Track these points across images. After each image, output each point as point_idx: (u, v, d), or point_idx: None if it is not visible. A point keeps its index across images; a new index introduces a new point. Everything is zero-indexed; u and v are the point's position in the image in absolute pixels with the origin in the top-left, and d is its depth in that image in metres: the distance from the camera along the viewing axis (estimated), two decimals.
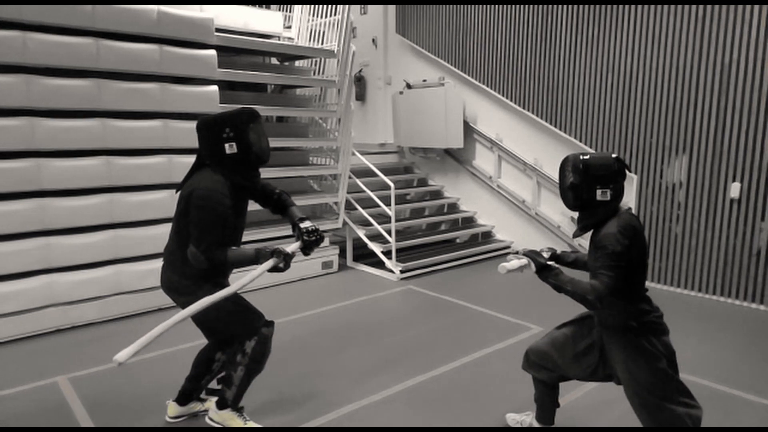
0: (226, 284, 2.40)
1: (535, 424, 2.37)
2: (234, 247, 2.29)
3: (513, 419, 2.50)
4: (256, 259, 2.24)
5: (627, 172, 1.99)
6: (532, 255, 2.00)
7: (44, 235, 3.72)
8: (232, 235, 2.35)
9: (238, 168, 2.29)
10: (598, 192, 1.90)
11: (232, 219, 2.31)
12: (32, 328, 3.70)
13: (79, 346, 3.57)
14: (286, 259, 2.23)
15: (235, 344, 2.54)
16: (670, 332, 1.98)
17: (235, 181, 2.30)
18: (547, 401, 2.29)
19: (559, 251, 2.20)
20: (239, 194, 2.35)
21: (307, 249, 2.39)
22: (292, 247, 2.35)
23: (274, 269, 2.22)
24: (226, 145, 2.24)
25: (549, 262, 1.98)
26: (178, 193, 2.34)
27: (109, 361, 3.28)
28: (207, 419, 2.53)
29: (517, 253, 2.06)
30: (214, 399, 2.72)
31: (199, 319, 2.39)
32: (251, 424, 2.48)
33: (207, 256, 2.19)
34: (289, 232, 4.99)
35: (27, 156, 3.62)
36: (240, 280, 2.20)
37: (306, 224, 2.41)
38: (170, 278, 2.36)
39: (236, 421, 2.46)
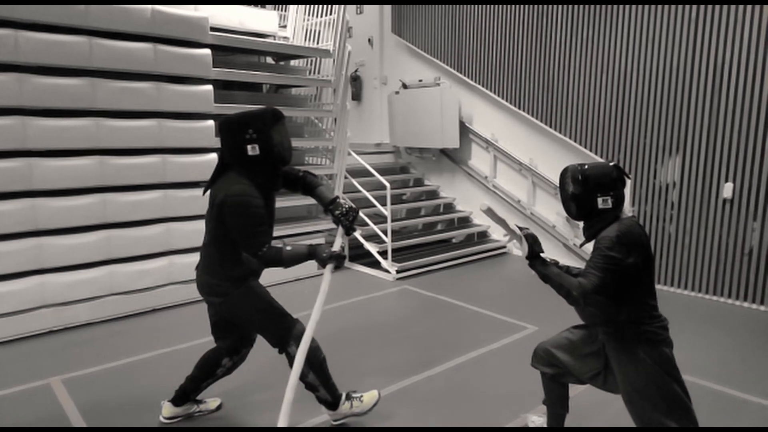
0: (256, 283, 2.42)
1: (544, 425, 2.38)
2: (288, 247, 2.28)
3: (531, 420, 2.53)
4: (310, 255, 2.28)
5: (626, 178, 1.99)
6: (531, 240, 1.94)
7: (36, 236, 3.68)
8: None
9: (261, 169, 2.26)
10: (599, 200, 1.92)
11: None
12: (24, 330, 3.66)
13: (72, 347, 3.54)
14: (342, 260, 2.31)
15: (242, 351, 2.57)
16: (673, 346, 1.96)
17: (259, 182, 2.27)
18: (556, 404, 2.29)
19: (560, 264, 2.16)
20: (267, 193, 2.34)
21: (348, 231, 2.42)
22: (339, 242, 2.39)
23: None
24: (249, 147, 2.20)
25: (542, 254, 1.95)
26: (206, 194, 2.34)
27: (102, 361, 3.28)
28: (332, 423, 2.55)
29: (521, 229, 2.00)
30: (212, 400, 2.72)
31: (227, 318, 2.41)
32: (367, 396, 2.55)
33: (262, 259, 2.20)
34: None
35: (19, 155, 3.59)
36: (319, 300, 2.25)
37: (339, 209, 2.41)
38: (208, 282, 2.35)
39: (354, 405, 2.52)
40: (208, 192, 2.33)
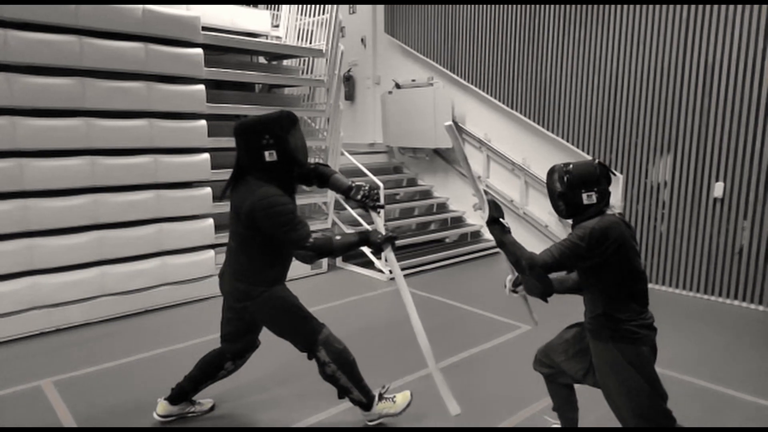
0: (284, 287, 2.42)
1: (557, 425, 2.43)
2: (337, 237, 2.30)
3: (555, 423, 2.54)
4: (362, 242, 2.31)
5: (611, 175, 2.03)
6: (493, 205, 2.04)
7: (27, 237, 3.65)
8: None
9: (279, 174, 2.26)
10: (584, 196, 1.96)
11: None
12: (15, 331, 3.63)
13: (63, 348, 3.51)
14: (396, 240, 2.37)
15: (246, 355, 2.58)
16: (655, 346, 1.96)
17: (277, 185, 2.26)
18: (564, 408, 2.30)
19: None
20: (287, 193, 2.35)
21: (377, 210, 2.47)
22: (380, 223, 2.44)
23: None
24: (266, 153, 2.20)
25: (502, 220, 2.03)
26: (223, 198, 2.37)
27: (94, 363, 3.26)
28: (367, 423, 2.55)
29: (487, 193, 2.04)
30: (206, 401, 2.71)
31: (251, 322, 2.40)
32: (400, 397, 2.55)
33: (313, 250, 2.22)
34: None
35: (9, 156, 3.55)
36: (402, 287, 2.31)
37: (360, 193, 2.44)
38: (238, 288, 2.33)
39: (388, 405, 2.52)
40: (225, 196, 2.34)
